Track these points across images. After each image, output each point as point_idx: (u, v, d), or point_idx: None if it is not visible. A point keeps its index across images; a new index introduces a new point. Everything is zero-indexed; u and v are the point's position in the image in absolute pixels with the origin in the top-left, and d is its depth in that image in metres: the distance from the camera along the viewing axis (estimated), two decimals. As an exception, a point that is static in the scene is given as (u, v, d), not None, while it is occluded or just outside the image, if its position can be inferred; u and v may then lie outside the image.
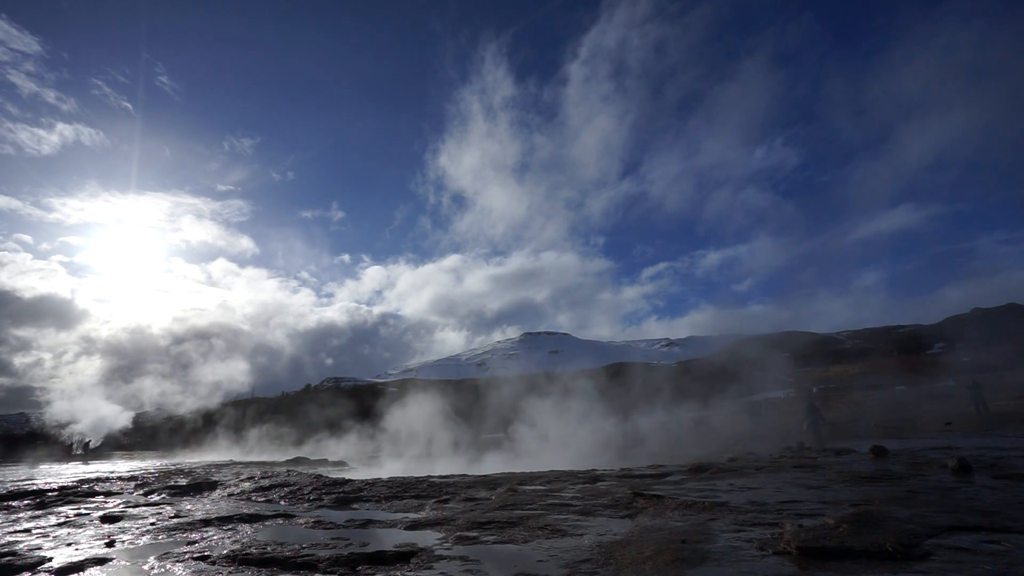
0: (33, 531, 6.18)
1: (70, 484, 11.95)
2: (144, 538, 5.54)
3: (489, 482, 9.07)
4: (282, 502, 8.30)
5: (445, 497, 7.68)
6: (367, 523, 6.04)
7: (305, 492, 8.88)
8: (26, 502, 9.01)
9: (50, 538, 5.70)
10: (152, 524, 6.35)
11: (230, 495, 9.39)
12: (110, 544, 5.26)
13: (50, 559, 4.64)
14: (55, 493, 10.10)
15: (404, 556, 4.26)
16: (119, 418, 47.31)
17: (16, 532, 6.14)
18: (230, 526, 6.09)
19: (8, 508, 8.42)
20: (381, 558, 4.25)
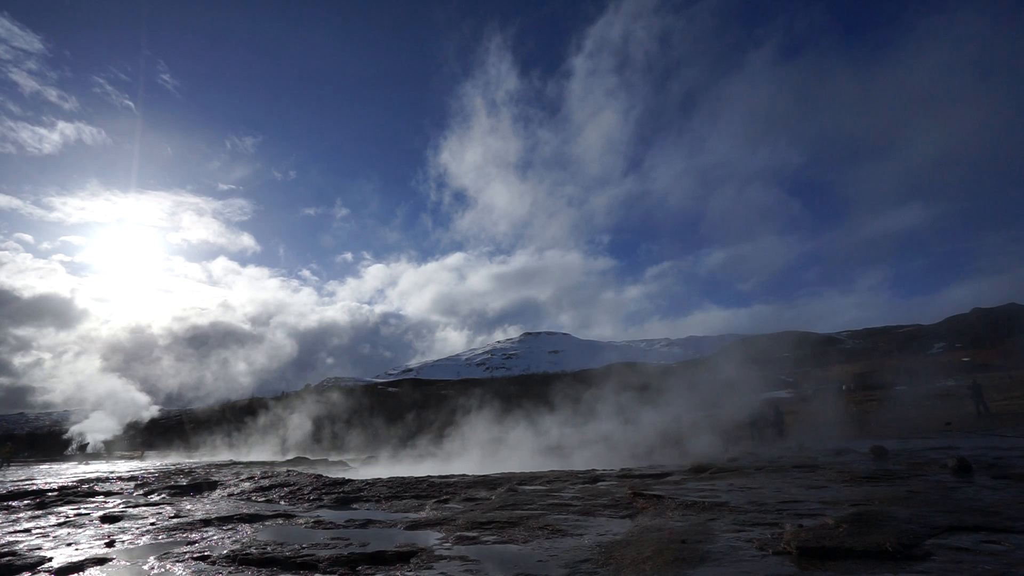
0: (33, 531, 6.18)
1: (70, 484, 11.95)
2: (144, 538, 5.54)
3: (489, 482, 9.07)
4: (282, 502, 8.30)
5: (445, 497, 7.68)
6: (367, 523, 6.04)
7: (305, 492, 8.88)
8: (26, 502, 9.01)
9: (50, 538, 5.70)
10: (152, 524, 6.35)
11: (230, 495, 9.39)
12: (110, 544, 5.26)
13: (50, 559, 4.64)
14: (55, 493, 10.10)
15: (404, 556, 4.26)
16: (145, 410, 47.31)
17: (16, 532, 6.14)
18: (230, 526, 6.09)
19: (8, 508, 8.42)
20: (381, 558, 4.25)
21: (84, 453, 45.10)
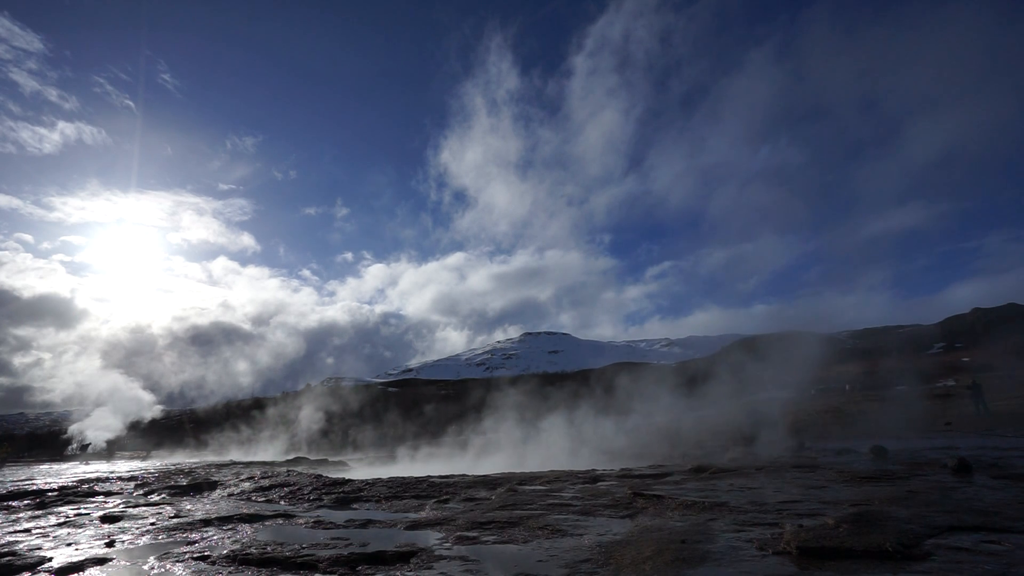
0: (33, 531, 6.18)
1: (70, 484, 11.96)
2: (144, 538, 5.54)
3: (489, 482, 9.07)
4: (282, 502, 8.30)
5: (445, 497, 7.68)
6: (367, 523, 6.04)
7: (305, 492, 8.88)
8: (26, 502, 9.01)
9: (50, 538, 5.70)
10: (152, 524, 6.35)
11: (230, 495, 9.39)
12: (110, 544, 5.26)
13: (50, 559, 4.64)
14: (55, 493, 10.10)
15: (404, 556, 4.26)
16: (149, 409, 47.17)
17: (16, 532, 6.14)
18: (230, 526, 6.09)
19: (8, 508, 8.42)
20: (381, 558, 4.24)
21: (86, 453, 45.00)
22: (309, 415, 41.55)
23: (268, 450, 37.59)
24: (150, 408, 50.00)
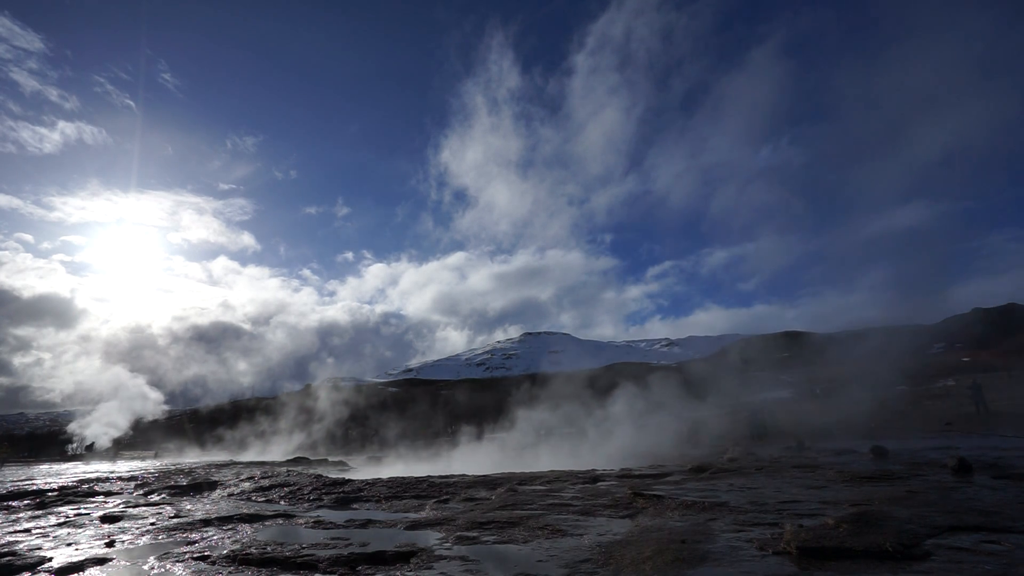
0: (33, 531, 6.18)
1: (70, 484, 11.96)
2: (144, 538, 5.54)
3: (489, 482, 9.07)
4: (282, 502, 8.30)
5: (445, 497, 7.68)
6: (367, 523, 6.04)
7: (305, 492, 8.88)
8: (26, 502, 9.01)
9: (50, 538, 5.70)
10: (152, 524, 6.35)
11: (230, 495, 9.39)
12: (110, 544, 5.27)
13: (50, 559, 4.64)
14: (55, 493, 10.10)
15: (404, 556, 4.26)
16: (155, 407, 47.05)
17: (16, 532, 6.14)
18: (230, 526, 6.09)
19: (8, 508, 8.42)
20: (381, 558, 4.25)
21: (90, 452, 44.79)
22: (313, 415, 41.51)
23: (274, 449, 37.58)
24: (156, 406, 49.73)
